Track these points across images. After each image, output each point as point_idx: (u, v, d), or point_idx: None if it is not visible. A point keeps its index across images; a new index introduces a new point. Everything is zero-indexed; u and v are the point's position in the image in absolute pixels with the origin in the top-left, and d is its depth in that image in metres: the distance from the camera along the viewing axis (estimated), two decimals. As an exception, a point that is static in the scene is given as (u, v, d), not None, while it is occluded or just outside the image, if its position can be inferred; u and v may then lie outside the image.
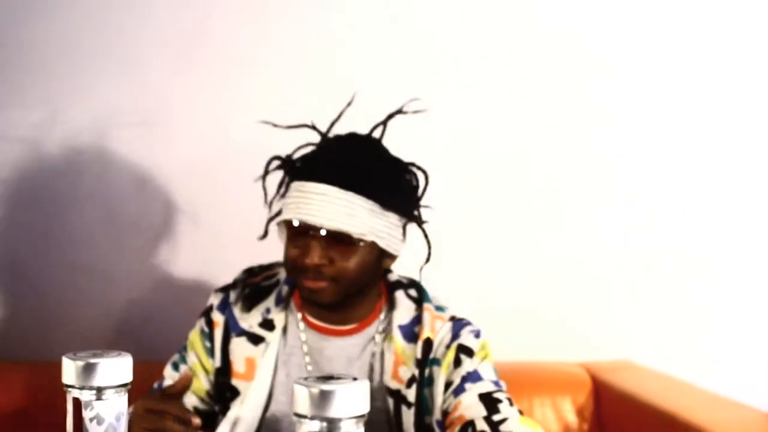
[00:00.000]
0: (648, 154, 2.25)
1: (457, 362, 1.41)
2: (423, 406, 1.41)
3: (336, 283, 1.37)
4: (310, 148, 1.47)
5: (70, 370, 0.58)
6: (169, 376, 1.49)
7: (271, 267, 1.58)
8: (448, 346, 1.42)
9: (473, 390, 1.36)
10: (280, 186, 1.48)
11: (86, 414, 0.58)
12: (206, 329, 1.50)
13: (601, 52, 2.23)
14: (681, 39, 2.25)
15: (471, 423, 1.31)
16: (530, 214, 2.21)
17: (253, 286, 1.53)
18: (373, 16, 2.18)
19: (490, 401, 1.34)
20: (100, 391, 0.58)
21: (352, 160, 1.38)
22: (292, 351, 1.48)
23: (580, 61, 2.22)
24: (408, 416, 1.40)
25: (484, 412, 1.32)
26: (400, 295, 1.49)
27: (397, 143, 1.48)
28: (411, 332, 1.45)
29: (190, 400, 1.47)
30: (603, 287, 2.23)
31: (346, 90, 1.59)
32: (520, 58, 2.21)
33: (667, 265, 2.25)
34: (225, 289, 1.54)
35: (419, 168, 1.46)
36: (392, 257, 1.45)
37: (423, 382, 1.41)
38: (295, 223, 1.36)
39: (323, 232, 1.34)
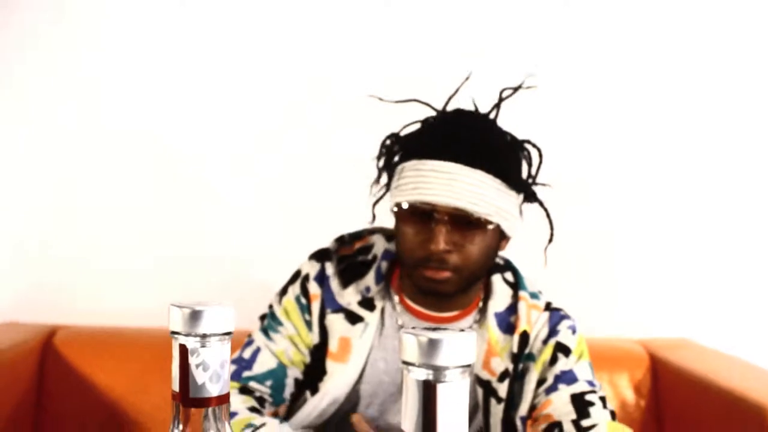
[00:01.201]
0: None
1: (553, 360, 1.33)
2: (512, 401, 1.33)
3: (459, 273, 1.26)
4: (416, 126, 1.34)
5: (177, 317, 0.60)
6: (264, 346, 1.38)
7: (361, 235, 1.47)
8: (545, 342, 1.34)
9: (566, 390, 1.28)
10: (386, 167, 1.35)
11: (192, 360, 0.59)
12: (303, 300, 1.39)
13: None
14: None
15: (558, 424, 1.24)
16: (591, 190, 2.20)
17: (348, 259, 1.42)
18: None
19: (581, 403, 1.25)
20: (204, 338, 0.60)
21: (476, 136, 1.24)
22: (387, 333, 1.38)
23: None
24: (497, 410, 1.32)
25: (574, 416, 1.24)
26: (497, 279, 1.40)
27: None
28: (506, 322, 1.36)
29: (293, 372, 1.38)
30: (662, 265, 2.22)
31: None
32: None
33: (726, 244, 2.23)
34: (320, 259, 1.42)
35: (533, 145, 1.33)
36: (507, 239, 1.34)
37: (516, 377, 1.33)
38: (405, 206, 1.25)
39: (446, 216, 1.22)
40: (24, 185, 2.15)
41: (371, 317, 1.35)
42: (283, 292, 1.43)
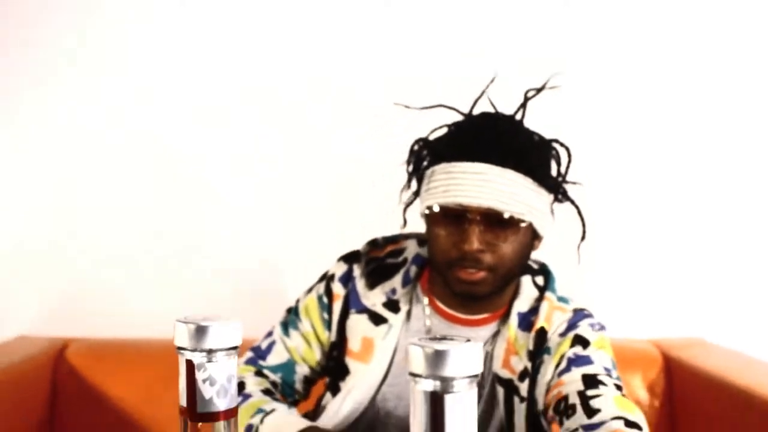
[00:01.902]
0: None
1: (571, 348, 1.31)
2: (533, 399, 1.31)
3: (494, 273, 1.27)
4: (444, 131, 1.35)
5: (182, 333, 0.59)
6: (280, 340, 1.42)
7: (395, 239, 1.48)
8: (563, 335, 1.32)
9: (578, 370, 1.25)
10: (415, 171, 1.35)
11: (199, 375, 0.59)
12: (325, 299, 1.42)
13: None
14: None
15: (566, 397, 1.22)
16: (603, 190, 2.19)
17: (377, 261, 1.43)
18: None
19: (591, 381, 1.22)
20: (211, 353, 0.60)
21: (504, 136, 1.26)
22: (414, 335, 1.36)
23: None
24: (521, 409, 1.31)
25: (581, 387, 1.21)
26: (525, 280, 1.39)
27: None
28: (527, 320, 1.35)
29: (302, 369, 1.42)
30: (675, 264, 2.21)
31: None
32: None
33: (740, 243, 2.21)
34: (349, 260, 1.45)
35: (562, 144, 1.34)
36: (540, 239, 1.34)
37: (534, 375, 1.31)
38: (436, 208, 1.26)
39: (478, 216, 1.23)
40: (27, 195, 2.16)
41: (395, 319, 1.36)
42: (309, 290, 1.45)
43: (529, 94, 1.34)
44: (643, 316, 2.19)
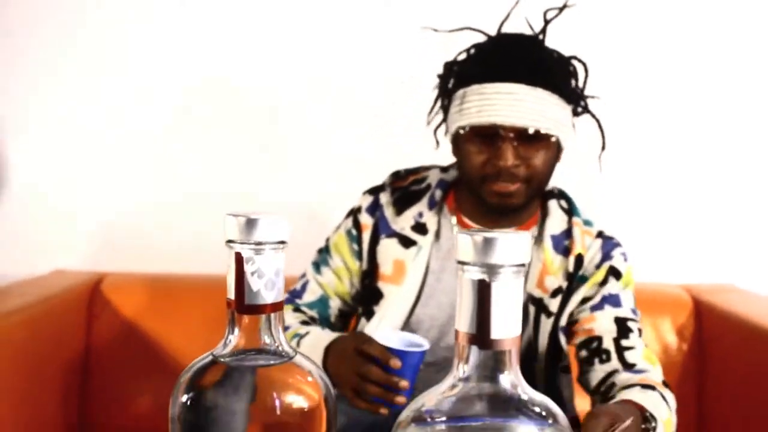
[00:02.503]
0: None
1: (604, 282, 1.40)
2: (559, 315, 1.40)
3: (528, 184, 1.34)
4: (471, 54, 1.39)
5: (232, 226, 0.60)
6: (313, 278, 1.48)
7: (417, 171, 1.53)
8: (598, 266, 1.41)
9: (611, 311, 1.37)
10: (443, 93, 1.41)
11: (247, 268, 0.60)
12: (354, 231, 1.48)
13: None
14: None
15: (599, 338, 1.34)
16: (637, 135, 2.18)
17: (402, 190, 1.49)
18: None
19: (623, 327, 1.35)
20: (259, 245, 0.61)
21: (530, 56, 1.32)
22: (445, 255, 1.44)
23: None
24: (547, 324, 1.40)
25: (615, 334, 1.34)
26: (553, 204, 1.46)
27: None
28: (561, 244, 1.42)
29: (335, 303, 1.48)
30: (707, 211, 2.19)
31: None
32: None
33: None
34: (374, 191, 1.50)
35: (580, 60, 1.40)
36: (562, 150, 1.40)
37: (568, 295, 1.40)
38: (468, 126, 1.31)
39: (511, 134, 1.30)
40: (61, 133, 2.18)
41: (424, 240, 1.42)
42: (338, 227, 1.51)
43: (549, 15, 1.39)
44: (675, 261, 2.18)
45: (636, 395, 1.19)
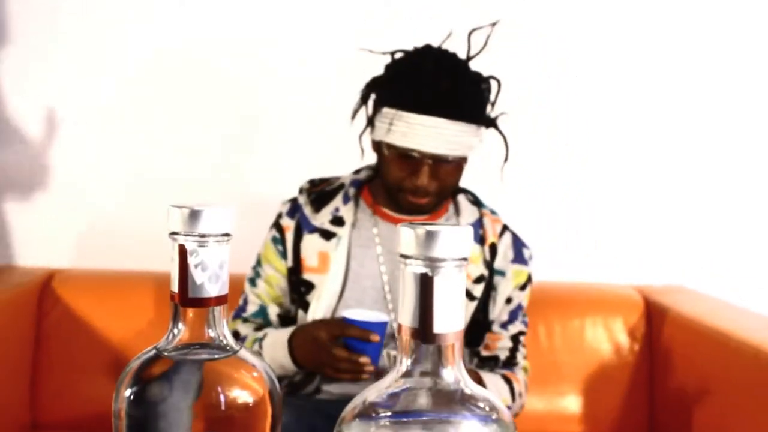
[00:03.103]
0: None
1: (523, 287, 1.63)
2: (485, 305, 1.60)
3: (437, 197, 1.53)
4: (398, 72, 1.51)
5: (176, 217, 0.60)
6: (250, 292, 1.62)
7: (329, 178, 1.68)
8: (512, 263, 1.61)
9: (513, 328, 1.62)
10: (376, 105, 1.52)
11: (191, 260, 0.60)
12: (277, 236, 1.61)
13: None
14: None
15: (496, 357, 1.61)
16: (583, 138, 2.20)
17: (317, 191, 1.63)
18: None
19: (516, 343, 1.61)
20: (203, 237, 0.60)
21: (455, 89, 1.45)
22: (365, 243, 1.59)
23: None
24: (469, 307, 1.57)
25: (508, 352, 1.60)
26: (462, 198, 1.65)
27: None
28: (477, 234, 1.60)
29: (273, 310, 1.61)
30: (660, 213, 2.22)
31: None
32: None
33: (722, 192, 2.23)
34: (292, 198, 1.64)
35: (495, 79, 1.54)
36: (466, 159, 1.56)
37: (490, 285, 1.60)
38: (395, 146, 1.47)
39: (429, 159, 1.46)
40: (14, 127, 2.15)
41: (343, 231, 1.58)
42: (264, 240, 1.64)
43: (474, 35, 1.53)
44: (628, 263, 2.21)
45: (483, 374, 1.50)
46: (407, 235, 0.52)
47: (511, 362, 1.60)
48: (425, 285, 0.53)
